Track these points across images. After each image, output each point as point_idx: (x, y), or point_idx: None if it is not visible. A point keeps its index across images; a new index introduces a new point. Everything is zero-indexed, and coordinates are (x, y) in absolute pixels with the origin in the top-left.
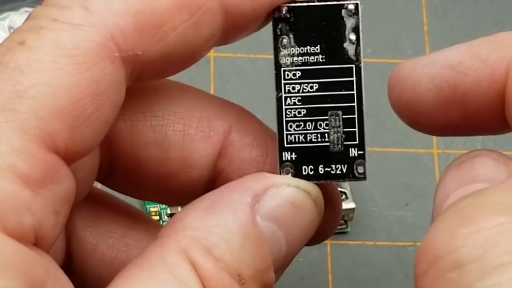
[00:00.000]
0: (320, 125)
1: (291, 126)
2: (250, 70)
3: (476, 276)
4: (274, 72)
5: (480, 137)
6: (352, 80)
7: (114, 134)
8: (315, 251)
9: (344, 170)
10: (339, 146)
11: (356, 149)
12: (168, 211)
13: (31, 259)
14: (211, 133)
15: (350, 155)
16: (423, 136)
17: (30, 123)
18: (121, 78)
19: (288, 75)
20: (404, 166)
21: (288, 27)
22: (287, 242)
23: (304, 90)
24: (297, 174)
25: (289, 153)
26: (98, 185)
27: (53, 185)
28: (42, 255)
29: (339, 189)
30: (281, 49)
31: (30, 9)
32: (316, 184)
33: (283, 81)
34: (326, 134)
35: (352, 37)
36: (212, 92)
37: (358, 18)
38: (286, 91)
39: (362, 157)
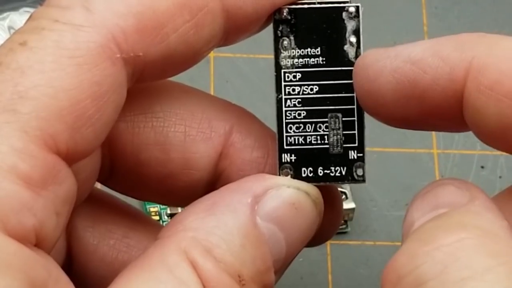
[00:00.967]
0: (320, 127)
1: (290, 128)
2: (250, 70)
3: None
4: (275, 73)
5: None
6: (352, 83)
7: (115, 135)
8: (315, 251)
9: (343, 173)
10: (339, 148)
11: (355, 151)
12: (168, 211)
13: (32, 260)
14: (212, 134)
15: (350, 157)
16: (423, 136)
17: (31, 124)
18: (122, 79)
19: (288, 77)
20: (404, 166)
21: (288, 29)
22: (287, 243)
23: (304, 92)
24: (297, 176)
25: (288, 155)
26: (98, 186)
27: (54, 186)
28: (43, 256)
29: (338, 189)
30: (282, 51)
31: (30, 9)
32: (316, 186)
33: (283, 83)
34: (326, 136)
35: (353, 39)
36: (212, 92)
37: (358, 21)
38: (286, 93)
39: (361, 159)
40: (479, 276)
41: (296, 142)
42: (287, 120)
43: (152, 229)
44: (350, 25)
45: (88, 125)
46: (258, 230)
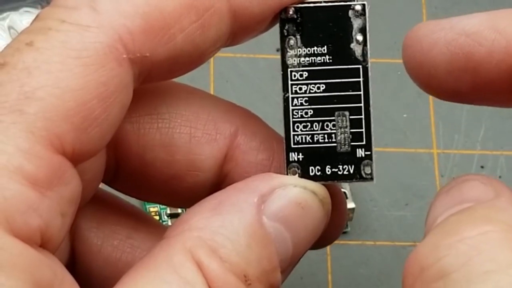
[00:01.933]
0: (327, 126)
1: (298, 127)
2: (250, 70)
3: (460, 284)
4: (281, 72)
5: (480, 138)
6: (359, 81)
7: (121, 136)
8: (315, 251)
9: (351, 171)
10: (346, 146)
11: (363, 149)
12: (168, 211)
13: (38, 261)
14: (217, 136)
15: (357, 155)
16: (423, 136)
17: (38, 124)
18: (128, 80)
19: (295, 75)
20: (404, 166)
21: (295, 28)
22: (293, 242)
23: (311, 91)
24: (304, 174)
25: (296, 153)
26: (101, 186)
27: (60, 187)
28: (48, 257)
29: None
30: (288, 49)
31: (30, 9)
32: (323, 185)
33: (290, 82)
34: (333, 135)
35: (359, 37)
36: (211, 92)
37: (365, 19)
38: (293, 91)
39: (369, 157)
40: (503, 270)
41: (304, 141)
42: (294, 119)
43: (156, 230)
44: (356, 23)
45: (94, 125)
46: (264, 229)
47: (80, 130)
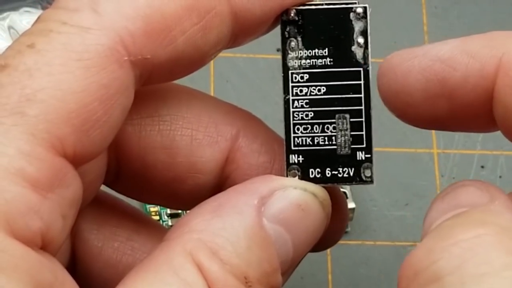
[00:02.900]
0: (328, 128)
1: (298, 129)
2: (250, 70)
3: (454, 287)
4: (282, 74)
5: (480, 138)
6: (360, 84)
7: (122, 138)
8: None
9: (351, 174)
10: (347, 149)
11: (363, 152)
12: (168, 211)
13: (39, 263)
14: (218, 139)
15: (358, 158)
16: (423, 136)
17: (39, 126)
18: (130, 82)
19: (296, 77)
20: (404, 166)
21: (296, 30)
22: (294, 244)
23: (312, 93)
24: (304, 177)
25: (296, 155)
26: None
27: (61, 189)
28: (49, 259)
29: None
30: (289, 51)
31: (30, 9)
32: (323, 187)
33: (290, 84)
34: (334, 137)
35: (360, 40)
36: (211, 92)
37: (366, 22)
38: (294, 93)
39: (369, 160)
40: (497, 272)
41: (304, 143)
42: (294, 121)
43: (157, 232)
44: (357, 26)
45: (96, 127)
46: (265, 231)
47: (81, 132)
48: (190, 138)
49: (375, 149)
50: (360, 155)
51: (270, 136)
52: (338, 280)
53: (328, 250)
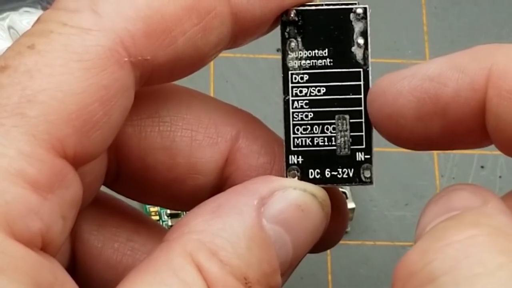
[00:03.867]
0: (327, 129)
1: (298, 130)
2: (249, 70)
3: (449, 287)
4: (282, 75)
5: None
6: (360, 84)
7: (122, 139)
8: None
9: (351, 174)
10: (346, 150)
11: (363, 153)
12: (168, 211)
13: (39, 264)
14: (218, 140)
15: (357, 159)
16: None
17: (39, 127)
18: (130, 83)
19: (295, 78)
20: (404, 166)
21: (296, 31)
22: (293, 245)
23: (312, 94)
24: (304, 177)
25: (295, 156)
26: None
27: (61, 190)
28: (49, 260)
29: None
30: (289, 52)
31: (30, 9)
32: (323, 188)
33: (290, 84)
34: (333, 138)
35: (360, 41)
36: (211, 92)
37: (366, 22)
38: (294, 94)
39: (369, 161)
40: (491, 273)
41: (303, 143)
42: (294, 122)
43: (156, 233)
44: (357, 26)
45: (96, 129)
46: (264, 232)
47: (81, 134)
48: (190, 139)
49: (375, 149)
50: (360, 156)
51: (270, 137)
52: (338, 280)
53: (328, 250)
